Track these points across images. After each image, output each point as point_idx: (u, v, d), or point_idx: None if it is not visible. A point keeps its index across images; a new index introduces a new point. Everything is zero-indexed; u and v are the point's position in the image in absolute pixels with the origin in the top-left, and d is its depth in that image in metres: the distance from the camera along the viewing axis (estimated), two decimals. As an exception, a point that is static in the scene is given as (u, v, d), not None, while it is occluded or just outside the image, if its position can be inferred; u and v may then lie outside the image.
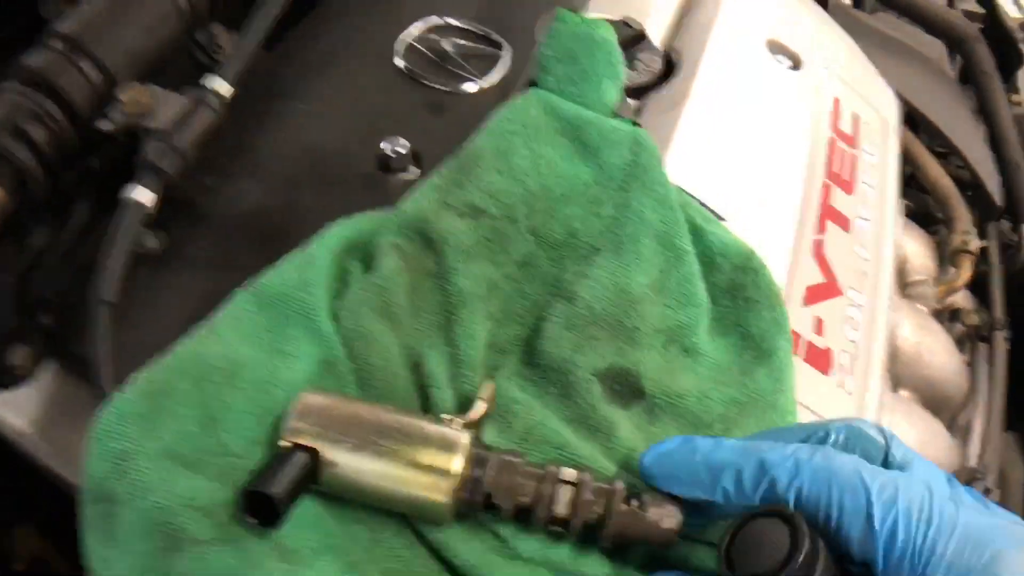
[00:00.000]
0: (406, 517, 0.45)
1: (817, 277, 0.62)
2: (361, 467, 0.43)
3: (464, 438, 0.43)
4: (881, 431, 0.41)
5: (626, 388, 0.49)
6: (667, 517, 0.42)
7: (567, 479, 0.43)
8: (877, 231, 0.69)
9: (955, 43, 0.89)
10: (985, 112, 0.89)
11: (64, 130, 0.54)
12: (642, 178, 0.54)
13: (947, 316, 0.81)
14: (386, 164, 0.60)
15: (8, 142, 0.51)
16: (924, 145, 0.86)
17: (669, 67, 0.69)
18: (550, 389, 0.49)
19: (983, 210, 0.87)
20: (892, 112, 0.79)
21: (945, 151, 0.88)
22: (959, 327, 0.81)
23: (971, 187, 0.88)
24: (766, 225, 0.62)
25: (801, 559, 0.35)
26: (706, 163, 0.62)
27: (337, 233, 0.52)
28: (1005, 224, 0.91)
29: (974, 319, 0.81)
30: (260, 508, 0.40)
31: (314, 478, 0.42)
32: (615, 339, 0.49)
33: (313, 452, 0.42)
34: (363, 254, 0.53)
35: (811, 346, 0.58)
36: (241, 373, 0.46)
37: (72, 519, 0.42)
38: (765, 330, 0.53)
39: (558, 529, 0.43)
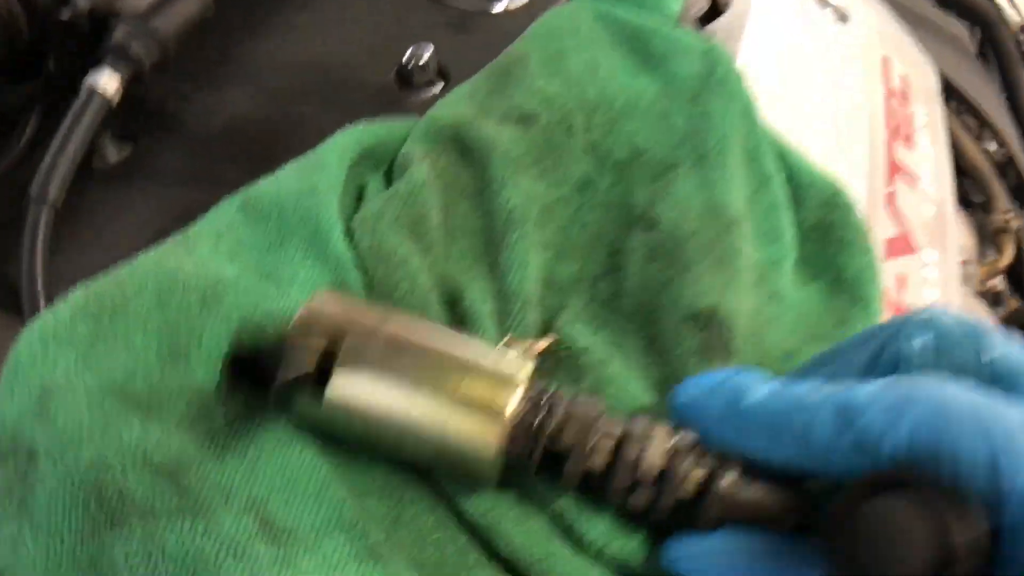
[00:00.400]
0: (438, 488, 0.34)
1: (892, 231, 0.55)
2: (383, 392, 0.31)
3: (524, 370, 0.32)
4: (973, 327, 0.30)
5: (716, 339, 0.38)
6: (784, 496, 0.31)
7: (657, 439, 0.31)
8: (940, 190, 0.62)
9: (980, 24, 0.85)
10: (1010, 93, 0.84)
11: (16, 18, 0.43)
12: (720, 88, 0.45)
13: (990, 299, 0.75)
14: (407, 77, 0.50)
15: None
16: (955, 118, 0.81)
17: (714, 7, 0.62)
18: (629, 340, 0.39)
19: (1016, 191, 0.82)
20: (933, 80, 0.74)
21: (976, 131, 0.83)
22: (1001, 312, 0.75)
23: (1001, 168, 0.83)
24: (835, 172, 0.54)
25: (966, 558, 0.22)
26: (763, 105, 0.55)
27: (352, 137, 0.41)
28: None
29: (1014, 304, 0.75)
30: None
31: (321, 386, 0.31)
32: (711, 272, 0.39)
33: (327, 355, 0.31)
34: (384, 166, 0.43)
35: (897, 307, 0.51)
36: (221, 298, 0.34)
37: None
38: (859, 274, 0.44)
39: (639, 505, 0.32)
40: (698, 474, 0.31)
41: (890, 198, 0.56)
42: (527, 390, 0.32)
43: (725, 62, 0.47)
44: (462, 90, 0.45)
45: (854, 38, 0.67)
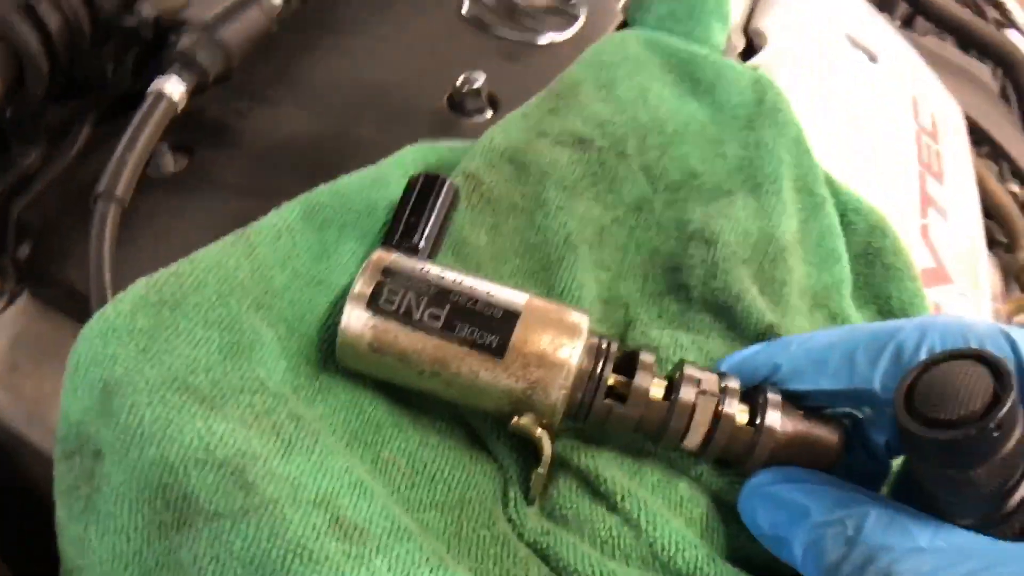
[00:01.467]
0: (495, 505, 0.34)
1: (929, 262, 0.55)
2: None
3: (585, 320, 0.34)
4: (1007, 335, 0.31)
5: None
6: (829, 429, 0.34)
7: (708, 381, 0.34)
8: (971, 225, 0.63)
9: (1005, 65, 0.86)
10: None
11: (81, 19, 0.44)
12: (771, 116, 0.46)
13: (1015, 338, 0.75)
14: (459, 103, 0.51)
15: (14, 19, 0.41)
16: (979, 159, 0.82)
17: (750, 46, 0.64)
18: (706, 345, 0.39)
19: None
20: (959, 118, 0.75)
21: (999, 171, 0.84)
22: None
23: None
24: (874, 203, 0.55)
25: (1009, 403, 0.26)
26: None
27: (415, 155, 0.42)
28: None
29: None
30: None
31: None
32: (768, 295, 0.41)
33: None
34: None
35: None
36: (273, 305, 0.35)
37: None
38: (908, 302, 0.45)
39: (694, 446, 0.34)
40: (745, 411, 0.34)
41: (924, 230, 0.57)
42: (588, 340, 0.34)
43: (775, 91, 0.48)
44: (517, 113, 0.46)
45: (885, 77, 0.68)
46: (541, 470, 0.33)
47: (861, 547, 0.28)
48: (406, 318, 0.33)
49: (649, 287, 0.42)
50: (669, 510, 0.34)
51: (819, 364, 0.34)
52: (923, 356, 0.31)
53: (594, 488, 0.34)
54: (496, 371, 0.33)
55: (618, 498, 0.33)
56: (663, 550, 0.32)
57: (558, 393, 0.32)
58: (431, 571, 0.28)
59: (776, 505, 0.32)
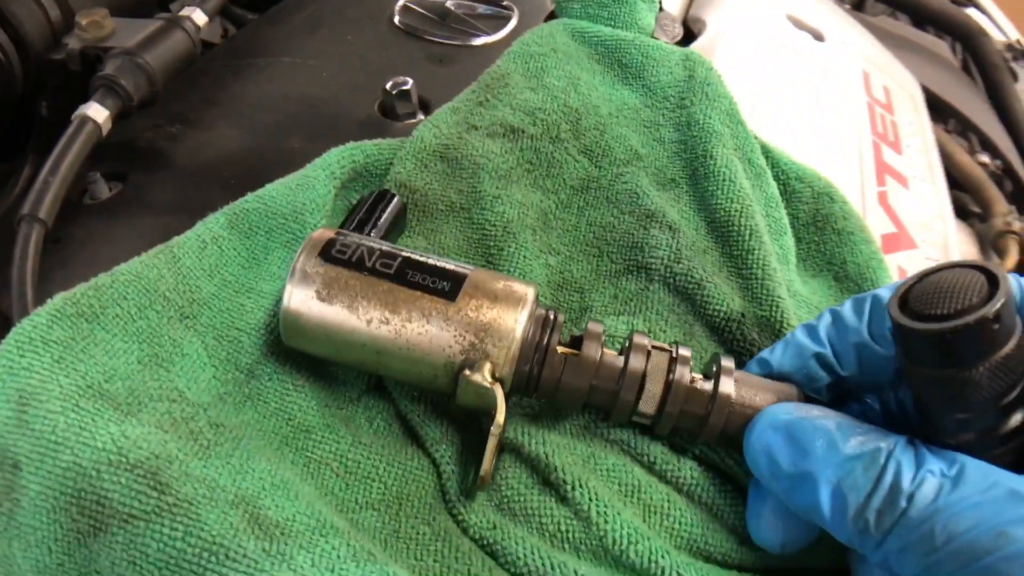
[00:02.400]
0: (436, 502, 0.33)
1: (889, 227, 0.54)
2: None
3: (531, 291, 0.33)
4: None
5: (741, 343, 0.38)
6: (785, 391, 0.33)
7: (657, 351, 0.33)
8: (934, 191, 0.62)
9: (962, 37, 0.86)
10: (998, 103, 0.85)
11: (10, 61, 0.45)
12: (702, 92, 0.46)
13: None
14: (390, 108, 0.51)
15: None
16: (946, 133, 0.81)
17: (688, 35, 0.64)
18: (667, 331, 0.38)
19: (1014, 199, 0.81)
20: (917, 90, 0.75)
21: (968, 143, 0.83)
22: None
23: (997, 179, 0.82)
24: (826, 173, 0.54)
25: (1005, 296, 0.25)
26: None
27: (341, 155, 0.42)
28: None
29: None
30: None
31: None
32: (734, 280, 0.40)
33: None
34: (376, 183, 0.43)
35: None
36: (200, 314, 0.35)
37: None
38: (865, 265, 0.44)
39: (648, 413, 0.33)
40: (698, 378, 0.32)
41: (883, 197, 0.56)
42: (535, 310, 0.33)
43: (704, 66, 0.47)
44: (446, 108, 0.46)
45: (832, 54, 0.68)
46: (495, 430, 0.31)
47: (889, 478, 0.26)
48: (358, 265, 0.32)
49: (604, 266, 0.41)
50: (623, 498, 0.33)
51: (809, 331, 0.33)
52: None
53: (544, 476, 0.33)
54: (449, 313, 0.32)
55: (568, 488, 0.32)
56: (614, 543, 0.31)
57: (510, 337, 0.31)
58: (357, 565, 0.27)
59: (796, 439, 0.29)
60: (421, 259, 0.33)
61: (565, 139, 0.44)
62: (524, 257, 0.39)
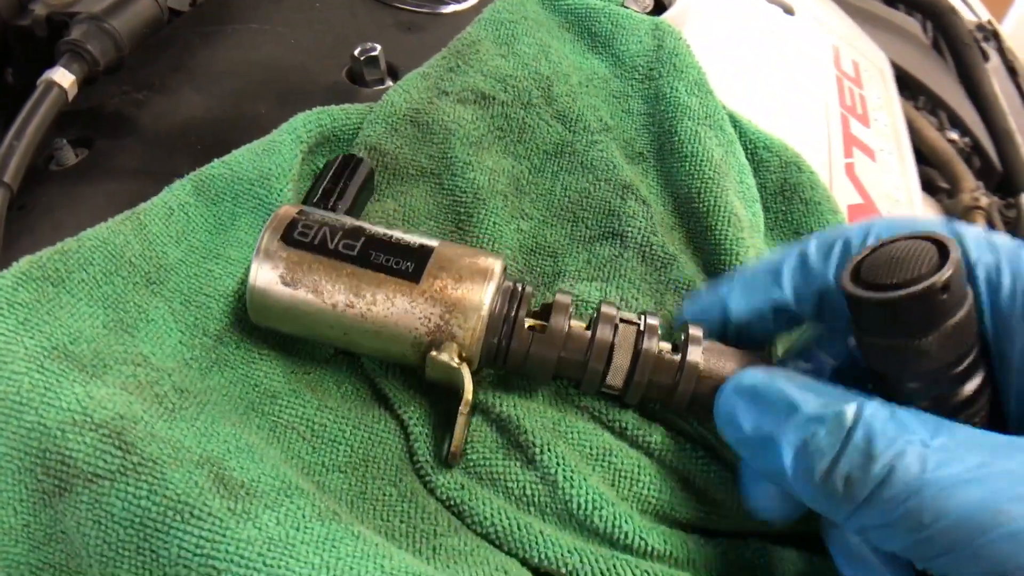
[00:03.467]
0: (402, 464, 0.34)
1: (856, 197, 0.55)
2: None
3: (498, 264, 0.33)
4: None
5: None
6: (753, 357, 0.33)
7: (624, 321, 0.33)
8: (901, 164, 0.63)
9: (933, 15, 0.87)
10: (968, 82, 0.86)
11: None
12: (670, 62, 0.46)
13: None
14: (358, 74, 0.51)
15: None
16: (916, 109, 0.82)
17: (659, 6, 0.64)
18: (638, 300, 0.39)
19: (982, 176, 0.82)
20: (886, 66, 0.75)
21: (937, 120, 0.84)
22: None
23: (966, 156, 0.84)
24: (794, 144, 0.55)
25: (954, 266, 0.26)
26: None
27: (307, 120, 0.42)
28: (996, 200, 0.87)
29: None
30: None
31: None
32: (705, 254, 0.41)
33: None
34: (345, 147, 0.43)
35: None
36: (167, 280, 0.35)
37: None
38: None
39: (616, 385, 0.33)
40: (667, 348, 0.33)
41: (850, 168, 0.57)
42: (502, 282, 0.33)
43: (673, 36, 0.48)
44: (416, 73, 0.46)
45: (801, 28, 0.68)
46: (463, 409, 0.32)
47: (859, 442, 0.25)
48: (321, 248, 0.32)
49: (579, 231, 0.41)
50: (592, 462, 0.33)
51: (773, 275, 0.32)
52: (855, 251, 0.30)
53: (513, 439, 0.33)
54: (413, 295, 0.32)
55: (537, 451, 0.32)
56: (579, 508, 0.31)
57: (476, 316, 0.31)
58: (322, 524, 0.28)
59: (760, 402, 0.28)
60: (384, 238, 0.33)
61: (537, 104, 0.44)
62: (495, 223, 0.40)
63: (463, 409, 0.32)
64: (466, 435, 0.33)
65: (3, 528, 0.28)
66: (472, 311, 0.32)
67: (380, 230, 0.33)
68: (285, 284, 0.32)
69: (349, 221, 0.34)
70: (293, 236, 0.33)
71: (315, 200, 0.38)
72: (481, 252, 0.33)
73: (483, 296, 0.32)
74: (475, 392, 0.32)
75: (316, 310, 0.32)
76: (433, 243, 0.33)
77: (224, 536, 0.26)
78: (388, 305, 0.32)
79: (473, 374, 0.32)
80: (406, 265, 0.32)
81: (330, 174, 0.39)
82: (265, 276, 0.33)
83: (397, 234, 0.33)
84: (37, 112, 0.40)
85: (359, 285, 0.32)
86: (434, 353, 0.32)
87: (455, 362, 0.31)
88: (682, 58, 0.47)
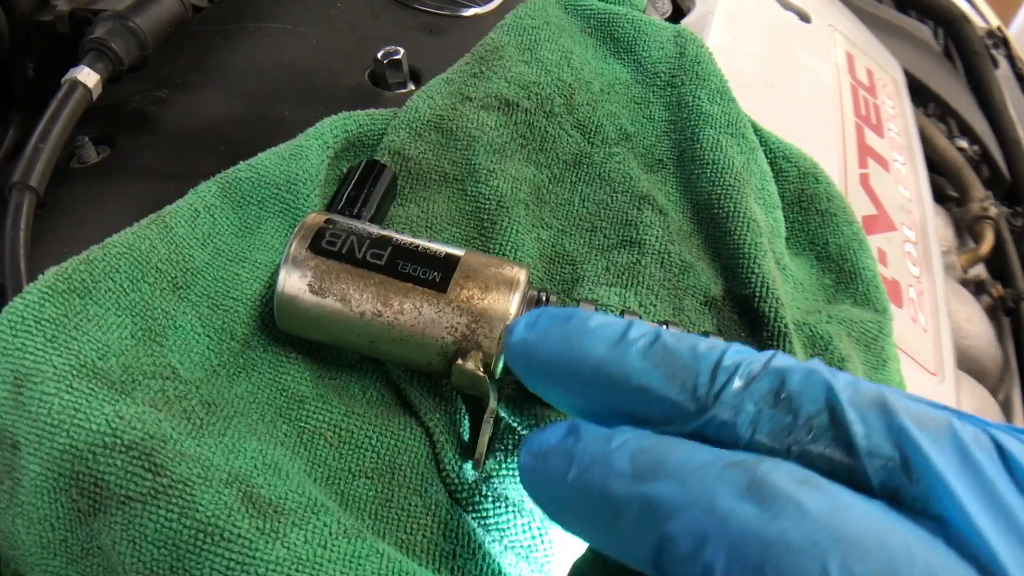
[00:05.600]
0: (428, 471, 0.34)
1: (869, 209, 0.55)
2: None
3: (523, 273, 0.33)
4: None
5: (728, 320, 0.39)
6: None
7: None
8: (914, 175, 0.63)
9: (945, 22, 0.87)
10: (978, 90, 0.86)
11: (-1, 20, 0.44)
12: (692, 70, 0.46)
13: (972, 288, 0.76)
14: (380, 77, 0.51)
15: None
16: (926, 117, 0.82)
17: (678, 11, 0.64)
18: (656, 307, 0.39)
19: (990, 185, 0.83)
20: (899, 74, 0.76)
21: (947, 128, 0.84)
22: (985, 299, 0.76)
23: (975, 165, 0.84)
24: (810, 154, 0.55)
25: None
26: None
27: (334, 125, 0.42)
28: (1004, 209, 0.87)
29: (1000, 290, 0.76)
30: None
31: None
32: (722, 261, 0.41)
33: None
34: (369, 153, 0.43)
35: (881, 277, 0.51)
36: (193, 284, 0.35)
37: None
38: (845, 247, 0.45)
39: None
40: None
41: (864, 179, 0.57)
42: (527, 292, 0.33)
43: (696, 43, 0.48)
44: (439, 79, 0.46)
45: (817, 36, 0.69)
46: (488, 417, 0.32)
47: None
48: (348, 257, 0.33)
49: (597, 240, 0.41)
50: None
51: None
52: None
53: None
54: (440, 304, 0.32)
55: None
56: None
57: (502, 325, 0.32)
58: (348, 542, 0.28)
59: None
60: (411, 246, 0.33)
61: (559, 113, 0.44)
62: (517, 231, 0.40)
63: (488, 417, 0.32)
64: (490, 443, 0.33)
65: (42, 542, 0.28)
66: (499, 320, 0.32)
67: (407, 239, 0.34)
68: (313, 292, 0.33)
69: (376, 230, 0.34)
70: (321, 245, 0.33)
71: (340, 207, 0.38)
72: (506, 262, 0.34)
73: (509, 306, 0.32)
74: (500, 399, 0.33)
75: (344, 318, 0.33)
76: (459, 252, 0.34)
77: (254, 558, 0.26)
78: (416, 314, 0.32)
79: (498, 381, 0.33)
80: (433, 275, 0.32)
81: (354, 180, 0.39)
82: (293, 284, 0.33)
83: (423, 243, 0.34)
84: (62, 113, 0.40)
85: (387, 294, 0.32)
86: (460, 362, 0.32)
87: (480, 371, 0.32)
88: (704, 66, 0.47)
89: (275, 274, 0.35)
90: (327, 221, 0.34)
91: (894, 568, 0.18)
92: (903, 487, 0.21)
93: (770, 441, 0.22)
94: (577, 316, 0.27)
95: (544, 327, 0.27)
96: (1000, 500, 0.20)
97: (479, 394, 0.32)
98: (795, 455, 0.22)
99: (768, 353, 0.24)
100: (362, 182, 0.38)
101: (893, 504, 0.21)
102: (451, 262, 0.33)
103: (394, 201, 0.41)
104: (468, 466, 0.33)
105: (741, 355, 0.24)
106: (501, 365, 0.32)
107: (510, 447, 0.34)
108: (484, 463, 0.33)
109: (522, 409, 0.34)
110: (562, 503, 0.25)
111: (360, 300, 0.32)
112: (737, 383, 0.23)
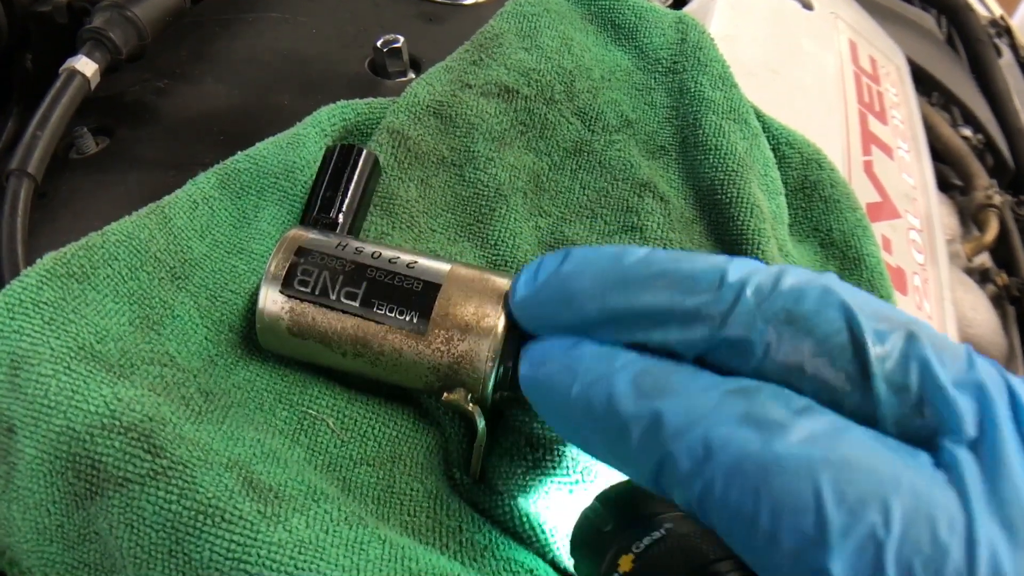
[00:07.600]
0: (429, 459, 0.33)
1: (874, 196, 0.55)
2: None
3: (502, 320, 0.31)
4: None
5: None
6: None
7: None
8: (918, 162, 0.63)
9: (948, 11, 0.87)
10: (982, 79, 0.86)
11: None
12: (694, 56, 0.46)
13: (977, 277, 0.75)
14: (380, 66, 0.50)
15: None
16: (930, 105, 0.82)
17: (679, -1, 0.64)
18: None
19: (994, 173, 0.82)
20: (902, 62, 0.75)
21: (951, 116, 0.84)
22: (990, 287, 0.75)
23: (979, 153, 0.84)
24: (813, 141, 0.55)
25: None
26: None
27: (331, 114, 0.42)
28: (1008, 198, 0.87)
29: (1004, 278, 0.75)
30: None
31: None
32: (725, 247, 0.40)
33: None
34: (369, 140, 0.43)
35: (885, 264, 0.51)
36: (192, 275, 0.34)
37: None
38: (849, 234, 0.44)
39: None
40: None
41: (868, 166, 0.57)
42: (507, 329, 0.31)
43: (697, 30, 0.47)
44: (440, 66, 0.46)
45: (820, 23, 0.68)
46: (478, 444, 0.32)
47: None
48: (322, 298, 0.32)
49: (598, 226, 0.41)
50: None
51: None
52: (692, 499, 0.23)
53: (541, 443, 0.33)
54: (419, 348, 0.31)
55: (566, 456, 0.32)
56: None
57: (485, 366, 0.31)
58: (350, 528, 0.28)
59: None
60: (388, 277, 0.32)
61: (559, 101, 0.44)
62: (514, 220, 0.40)
63: (478, 443, 0.32)
64: (490, 445, 0.33)
65: (38, 528, 0.28)
66: (481, 362, 0.31)
67: (384, 264, 0.32)
68: (293, 335, 0.32)
69: (350, 256, 0.33)
70: (293, 286, 0.32)
71: (316, 212, 0.36)
72: (489, 296, 0.31)
73: (490, 349, 0.31)
74: (485, 434, 0.32)
75: (327, 356, 0.32)
76: (443, 270, 0.32)
77: (255, 539, 0.26)
78: (396, 356, 0.31)
79: (490, 403, 0.32)
80: (411, 315, 0.31)
81: (327, 177, 0.37)
82: (270, 328, 0.32)
83: (402, 266, 0.32)
84: (60, 101, 0.39)
85: (365, 338, 0.32)
86: (446, 395, 0.31)
87: (468, 404, 0.31)
88: (706, 52, 0.46)
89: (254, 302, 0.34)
90: (299, 252, 0.33)
91: (882, 490, 0.19)
92: (908, 416, 0.21)
93: (784, 360, 0.22)
94: (571, 256, 0.27)
95: (542, 278, 0.28)
96: (1001, 447, 0.20)
97: (469, 419, 0.32)
98: (808, 376, 0.22)
99: (776, 268, 0.24)
100: (337, 176, 0.37)
101: (894, 431, 0.21)
102: (430, 297, 0.31)
103: (379, 180, 0.39)
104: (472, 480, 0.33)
105: (748, 268, 0.24)
106: (491, 390, 0.31)
107: (510, 447, 0.33)
108: (477, 476, 0.33)
109: (524, 414, 0.33)
110: (564, 416, 0.26)
111: (340, 342, 0.32)
112: (749, 299, 0.23)
